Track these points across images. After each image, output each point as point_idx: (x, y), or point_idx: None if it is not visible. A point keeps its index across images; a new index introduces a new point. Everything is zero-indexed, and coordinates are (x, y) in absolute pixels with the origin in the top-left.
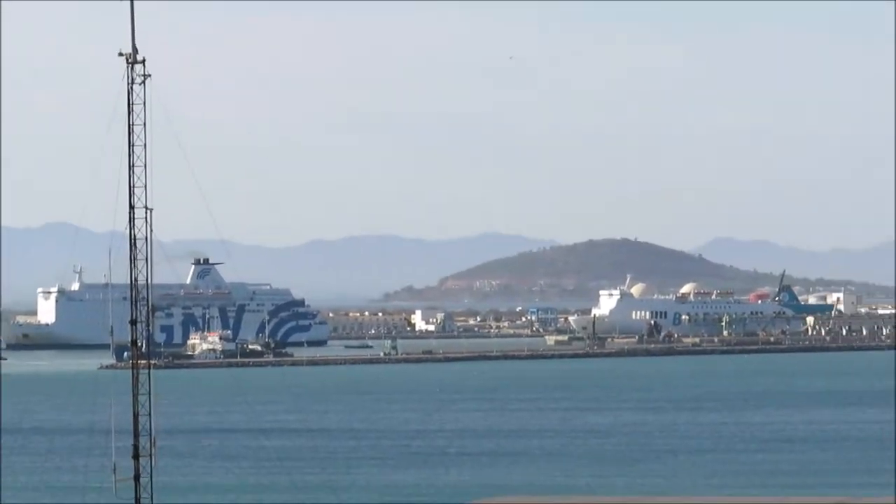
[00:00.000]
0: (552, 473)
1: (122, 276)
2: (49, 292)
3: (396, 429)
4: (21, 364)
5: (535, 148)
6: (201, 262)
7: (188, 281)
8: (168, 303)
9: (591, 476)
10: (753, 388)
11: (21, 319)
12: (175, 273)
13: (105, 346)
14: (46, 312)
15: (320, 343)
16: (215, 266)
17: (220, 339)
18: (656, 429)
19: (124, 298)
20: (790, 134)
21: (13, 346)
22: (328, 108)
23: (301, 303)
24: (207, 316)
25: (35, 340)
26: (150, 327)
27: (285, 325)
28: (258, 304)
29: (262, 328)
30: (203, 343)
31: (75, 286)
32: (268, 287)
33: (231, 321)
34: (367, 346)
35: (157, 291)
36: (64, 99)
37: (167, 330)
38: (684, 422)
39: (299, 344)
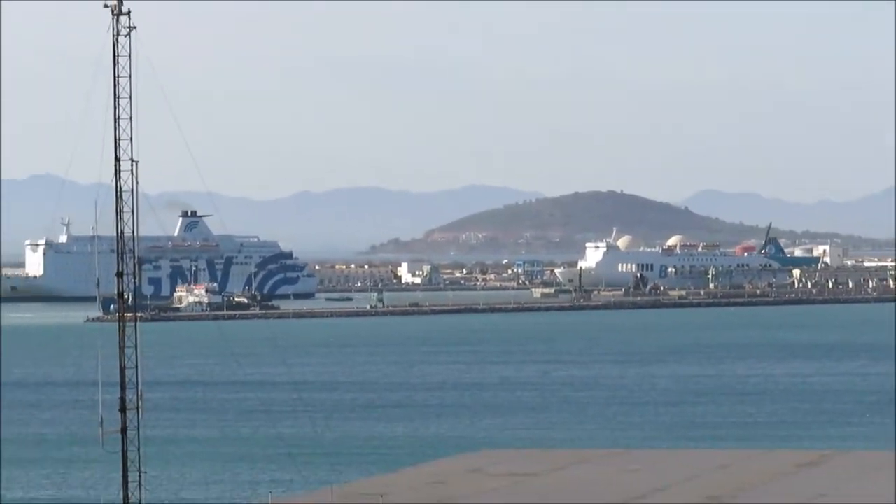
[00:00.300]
0: (533, 427)
1: (109, 229)
2: (37, 245)
3: (378, 381)
4: (5, 317)
5: (520, 100)
6: (189, 214)
7: (176, 233)
8: (156, 255)
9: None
10: (737, 341)
11: (8, 272)
12: (161, 225)
13: (94, 299)
14: (34, 265)
15: (308, 296)
16: (203, 218)
17: (207, 291)
18: (635, 381)
19: (112, 251)
20: (777, 86)
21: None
22: (315, 61)
23: (289, 255)
24: (195, 268)
25: (23, 293)
26: (137, 280)
27: (273, 278)
28: (246, 257)
29: (249, 281)
30: (189, 296)
31: (63, 238)
32: (256, 239)
33: (219, 273)
34: (348, 299)
35: (145, 244)
36: (49, 51)
37: (155, 282)
38: (664, 374)
39: (287, 297)
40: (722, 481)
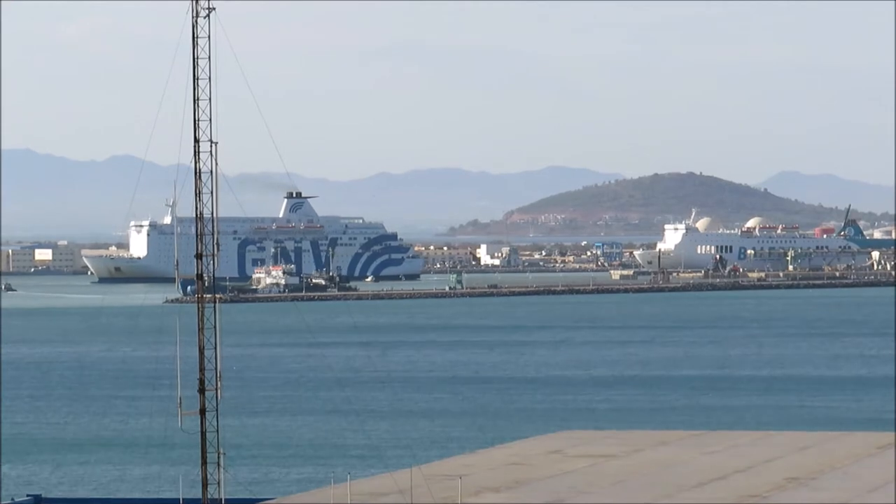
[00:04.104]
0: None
1: (223, 210)
2: (141, 226)
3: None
4: (86, 297)
5: (600, 82)
6: (294, 195)
7: (281, 214)
8: (260, 237)
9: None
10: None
11: (113, 253)
12: (240, 206)
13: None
14: (138, 246)
15: (413, 277)
16: (308, 200)
17: (284, 273)
18: None
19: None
20: (856, 70)
21: (105, 280)
22: (394, 46)
23: (393, 237)
24: (301, 250)
25: (127, 273)
26: (216, 261)
27: (378, 259)
28: (351, 238)
29: (355, 261)
30: (267, 277)
31: (167, 220)
32: (360, 221)
33: (323, 254)
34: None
35: (250, 225)
36: (129, 34)
37: (259, 263)
38: None
39: (396, 277)
40: (802, 463)
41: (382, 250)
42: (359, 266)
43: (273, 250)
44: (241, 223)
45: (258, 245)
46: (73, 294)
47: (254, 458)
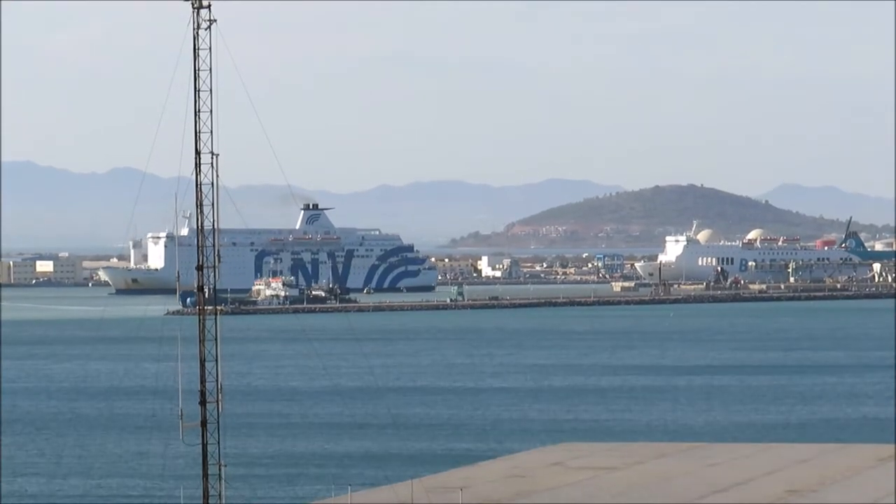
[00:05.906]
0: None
1: (225, 221)
2: (158, 237)
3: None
4: (85, 309)
5: (601, 94)
6: (310, 207)
7: (297, 226)
8: (277, 248)
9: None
10: None
11: (130, 265)
12: (242, 218)
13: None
14: (155, 257)
15: (428, 289)
16: (325, 211)
17: (284, 284)
18: None
19: (234, 243)
20: (858, 78)
21: (123, 292)
22: (396, 58)
23: (410, 248)
24: (318, 261)
25: (144, 285)
26: (216, 272)
27: (394, 271)
28: (367, 250)
29: (371, 273)
30: (267, 289)
31: (184, 231)
32: (377, 232)
33: (340, 266)
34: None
35: (266, 237)
36: (130, 46)
37: (276, 275)
38: None
39: (411, 289)
40: (802, 476)
41: (399, 262)
42: (375, 277)
43: (290, 262)
44: (258, 235)
45: (275, 256)
46: (68, 306)
47: (253, 470)
